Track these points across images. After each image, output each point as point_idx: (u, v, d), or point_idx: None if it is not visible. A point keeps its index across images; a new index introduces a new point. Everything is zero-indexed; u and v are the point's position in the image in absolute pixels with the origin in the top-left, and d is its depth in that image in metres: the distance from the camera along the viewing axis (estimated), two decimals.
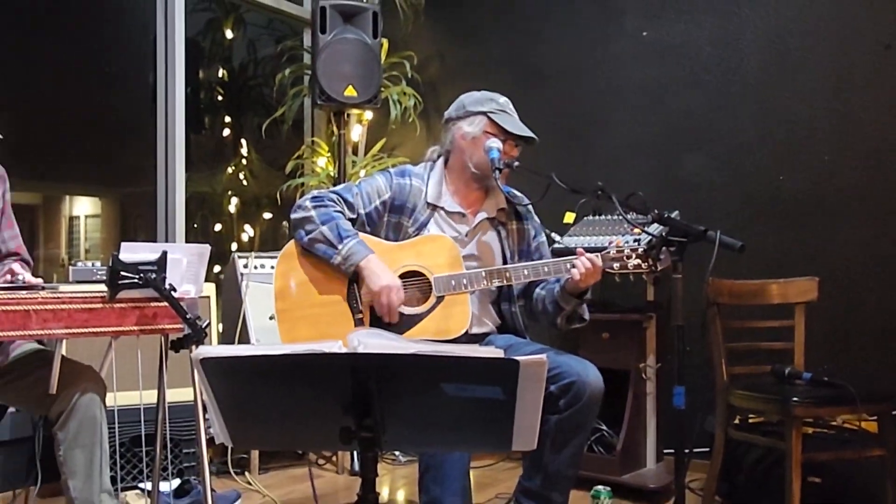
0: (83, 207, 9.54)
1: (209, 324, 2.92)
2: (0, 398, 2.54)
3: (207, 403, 1.45)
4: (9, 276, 2.30)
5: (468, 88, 2.77)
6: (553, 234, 2.88)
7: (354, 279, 2.61)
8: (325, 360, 1.34)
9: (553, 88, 4.28)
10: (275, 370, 1.40)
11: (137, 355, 2.51)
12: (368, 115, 4.64)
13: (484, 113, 2.65)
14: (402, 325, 2.56)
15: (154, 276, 2.12)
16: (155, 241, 4.25)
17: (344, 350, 1.33)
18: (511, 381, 1.26)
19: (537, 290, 2.71)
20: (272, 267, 3.50)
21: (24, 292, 2.09)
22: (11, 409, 2.77)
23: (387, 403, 1.35)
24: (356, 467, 3.69)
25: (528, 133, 2.64)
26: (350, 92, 3.87)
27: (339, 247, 2.55)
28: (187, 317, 2.16)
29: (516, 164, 2.62)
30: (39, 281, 2.29)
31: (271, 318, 2.84)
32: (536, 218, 2.88)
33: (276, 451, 3.83)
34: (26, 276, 2.30)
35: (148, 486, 2.95)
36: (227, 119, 5.69)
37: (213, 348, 1.50)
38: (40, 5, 4.61)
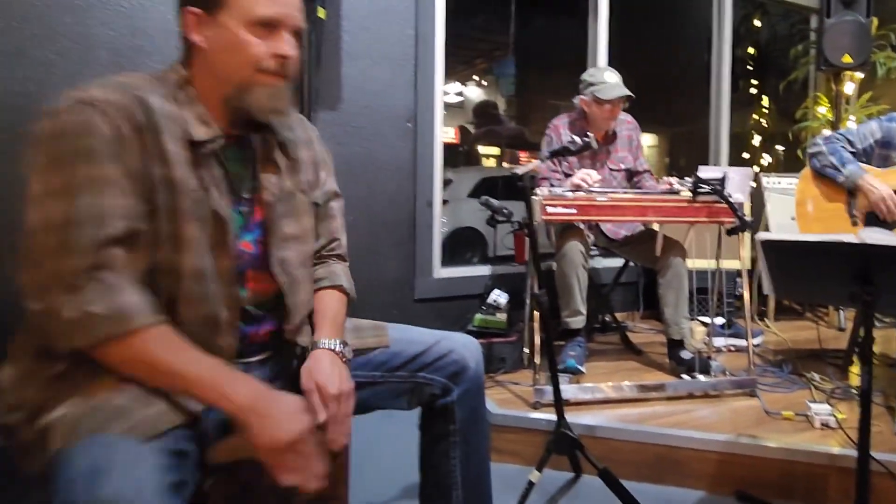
0: (646, 140, 10.30)
1: (752, 220, 3.16)
2: (627, 256, 3.00)
3: (762, 267, 1.75)
4: (668, 186, 2.57)
5: None
6: None
7: (852, 194, 2.64)
8: (844, 247, 1.42)
9: None
10: (807, 250, 1.54)
11: (706, 237, 2.67)
12: (859, 74, 4.30)
13: None
14: (891, 225, 2.56)
15: (719, 187, 2.33)
16: (703, 165, 4.47)
17: (856, 241, 1.40)
18: None
19: None
20: (788, 183, 3.57)
21: (639, 195, 2.45)
22: (630, 264, 3.15)
23: (883, 277, 1.41)
24: (842, 325, 3.67)
25: None
26: (846, 59, 3.77)
27: (843, 170, 2.59)
28: (738, 214, 2.30)
29: None
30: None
31: (792, 218, 2.93)
32: None
33: (785, 306, 3.89)
34: (677, 185, 2.52)
35: (706, 319, 3.25)
36: (753, 81, 5.89)
37: (768, 234, 1.76)
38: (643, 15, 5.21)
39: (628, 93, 2.71)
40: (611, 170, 2.92)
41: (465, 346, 1.37)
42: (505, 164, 7.00)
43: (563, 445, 1.79)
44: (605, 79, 2.74)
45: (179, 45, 1.14)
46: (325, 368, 1.15)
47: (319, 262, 1.36)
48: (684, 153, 8.39)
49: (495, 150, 7.66)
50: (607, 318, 3.38)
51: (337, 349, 1.20)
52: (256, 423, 0.98)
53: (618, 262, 3.22)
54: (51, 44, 2.15)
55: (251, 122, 1.17)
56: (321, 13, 2.41)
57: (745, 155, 5.76)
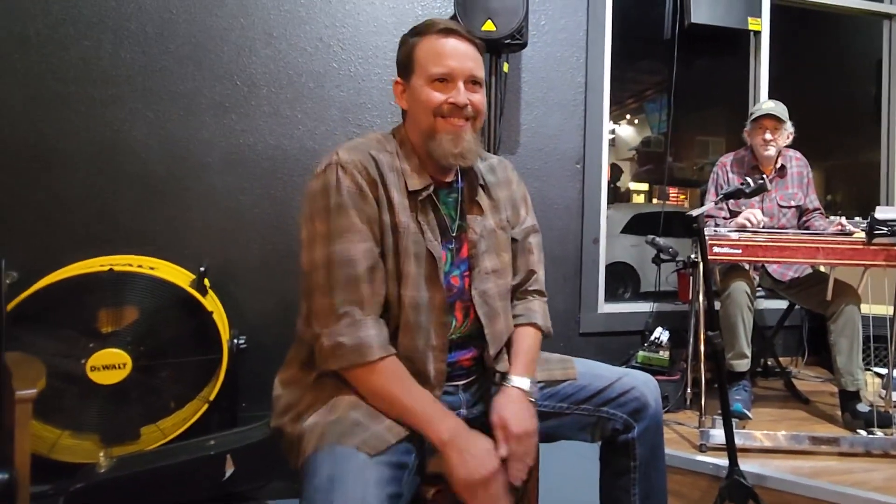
0: None
1: None
2: (794, 299, 2.74)
3: None
4: (839, 227, 2.39)
5: None
6: None
7: None
8: None
9: None
10: None
11: (884, 281, 2.48)
12: None
13: None
14: None
15: None
16: (866, 202, 3.98)
17: None
18: None
19: None
20: None
21: (808, 236, 2.25)
22: (796, 307, 2.90)
23: None
24: None
25: None
26: None
27: None
28: None
29: None
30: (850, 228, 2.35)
31: None
32: None
33: None
34: (849, 227, 2.37)
35: (880, 370, 2.97)
36: None
37: None
38: (806, 48, 4.79)
39: (774, 111, 2.60)
40: (780, 206, 2.76)
41: (645, 384, 1.36)
42: (655, 201, 6.74)
43: (737, 493, 1.68)
44: (762, 104, 2.70)
45: (395, 107, 1.26)
46: (513, 406, 1.18)
47: (520, 299, 1.40)
48: (843, 189, 7.54)
49: (643, 187, 7.41)
50: (770, 363, 3.13)
51: (526, 389, 1.23)
52: (455, 457, 1.05)
53: (781, 305, 3.00)
54: (299, 105, 2.44)
55: (451, 168, 1.27)
56: (505, 67, 2.51)
57: None
